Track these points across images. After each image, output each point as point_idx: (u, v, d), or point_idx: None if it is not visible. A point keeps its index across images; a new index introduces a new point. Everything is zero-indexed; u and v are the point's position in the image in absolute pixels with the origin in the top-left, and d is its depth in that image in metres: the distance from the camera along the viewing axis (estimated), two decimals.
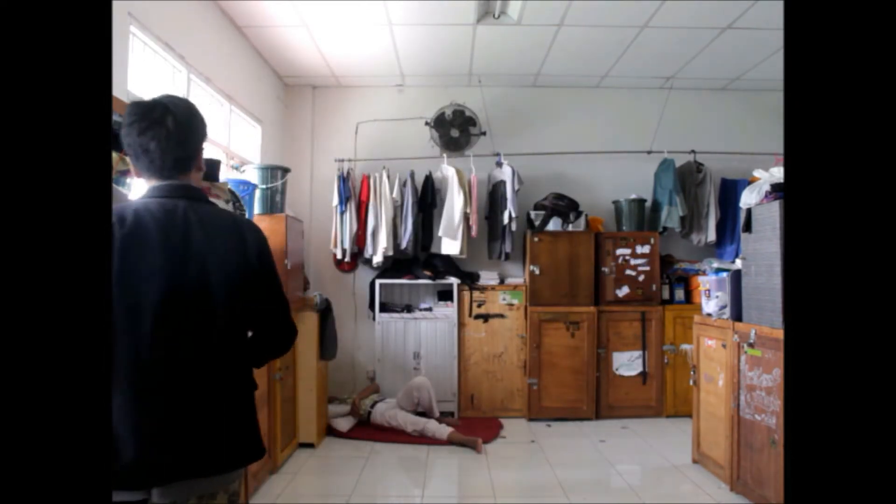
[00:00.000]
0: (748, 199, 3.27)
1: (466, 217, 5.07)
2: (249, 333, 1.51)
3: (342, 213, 5.07)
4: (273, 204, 4.09)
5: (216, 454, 1.37)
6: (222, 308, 1.38)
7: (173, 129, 1.39)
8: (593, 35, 4.43)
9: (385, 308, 5.17)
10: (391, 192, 5.07)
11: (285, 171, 4.22)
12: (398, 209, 5.10)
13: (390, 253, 5.05)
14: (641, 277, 5.01)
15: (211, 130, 4.18)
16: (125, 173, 2.45)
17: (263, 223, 3.95)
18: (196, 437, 1.35)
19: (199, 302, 1.36)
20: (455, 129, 5.35)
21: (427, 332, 5.08)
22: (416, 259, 5.24)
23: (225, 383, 1.40)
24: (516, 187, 5.01)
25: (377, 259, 5.05)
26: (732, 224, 5.20)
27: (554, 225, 5.12)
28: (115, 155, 2.32)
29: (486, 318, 5.12)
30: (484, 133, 5.37)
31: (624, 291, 5.01)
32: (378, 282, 5.16)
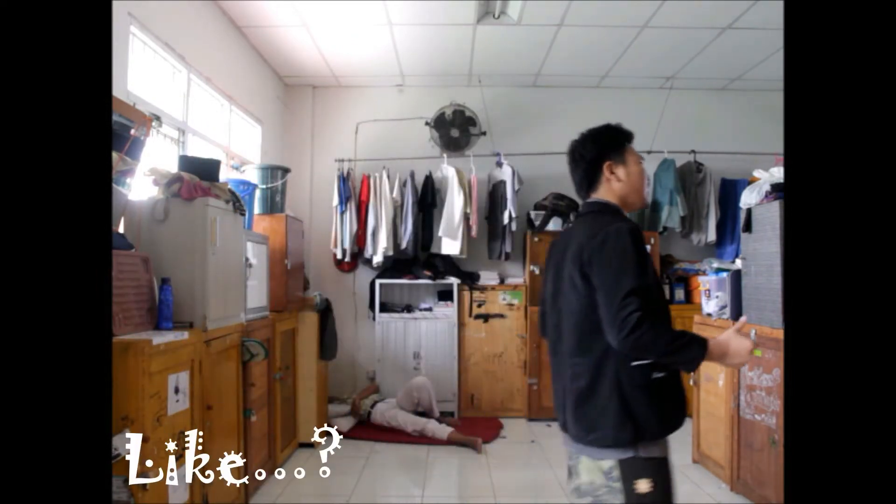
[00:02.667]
0: (748, 199, 3.26)
1: (466, 217, 5.07)
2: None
3: (342, 213, 5.07)
4: (273, 204, 4.09)
5: None
6: None
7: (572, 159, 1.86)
8: (593, 35, 4.43)
9: (385, 308, 5.17)
10: (391, 192, 5.07)
11: (285, 171, 4.22)
12: (398, 209, 5.10)
13: (390, 253, 5.05)
14: None
15: (211, 130, 4.17)
16: (125, 173, 2.44)
17: (263, 223, 3.95)
18: None
19: None
20: (455, 129, 5.35)
21: (427, 332, 5.08)
22: (416, 259, 5.23)
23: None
24: (516, 187, 5.01)
25: (377, 259, 5.05)
26: (732, 224, 5.19)
27: (554, 225, 5.12)
28: (115, 155, 2.32)
29: (486, 318, 5.12)
30: (484, 133, 5.37)
31: None
32: (378, 282, 5.16)
